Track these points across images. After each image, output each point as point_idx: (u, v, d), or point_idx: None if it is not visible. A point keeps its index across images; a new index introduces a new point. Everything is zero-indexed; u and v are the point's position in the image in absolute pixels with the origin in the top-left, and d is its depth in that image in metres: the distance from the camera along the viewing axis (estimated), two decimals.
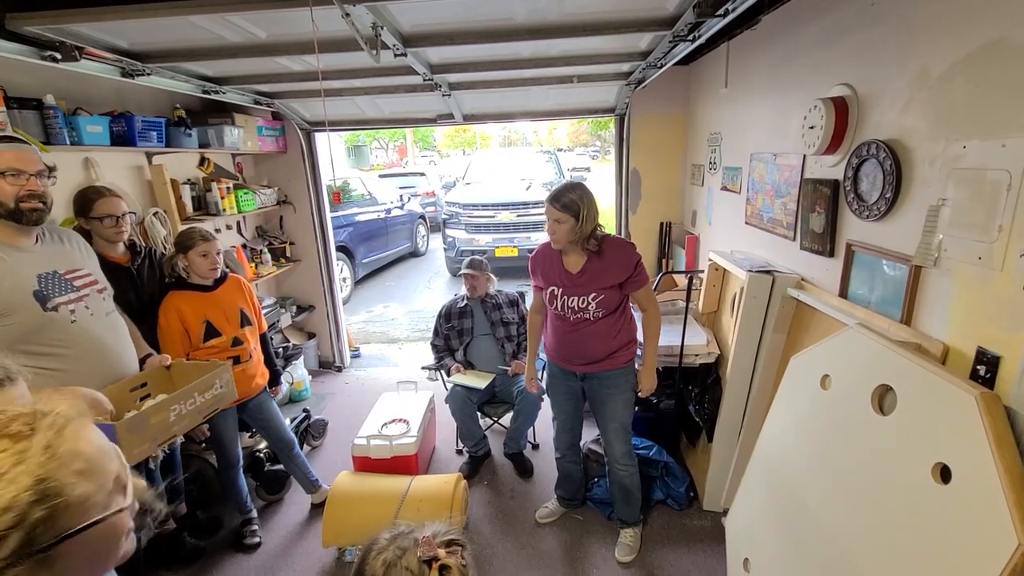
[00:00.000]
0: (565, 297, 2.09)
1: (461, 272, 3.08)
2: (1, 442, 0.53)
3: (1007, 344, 1.21)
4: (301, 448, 2.71)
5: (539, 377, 2.55)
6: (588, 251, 2.05)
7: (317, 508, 2.69)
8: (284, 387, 2.96)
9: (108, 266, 2.01)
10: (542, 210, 2.13)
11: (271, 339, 2.67)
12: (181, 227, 2.92)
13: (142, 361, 1.91)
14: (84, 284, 1.72)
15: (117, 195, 2.17)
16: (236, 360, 2.30)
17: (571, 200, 1.96)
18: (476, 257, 3.12)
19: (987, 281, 1.25)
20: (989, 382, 1.24)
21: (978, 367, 1.27)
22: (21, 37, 1.88)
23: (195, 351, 2.22)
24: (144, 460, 1.77)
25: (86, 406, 0.63)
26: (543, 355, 2.42)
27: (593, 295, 2.05)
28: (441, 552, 0.89)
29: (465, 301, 3.11)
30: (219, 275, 2.32)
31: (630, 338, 2.18)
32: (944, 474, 1.16)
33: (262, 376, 2.47)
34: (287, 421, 2.73)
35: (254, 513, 2.58)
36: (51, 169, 1.64)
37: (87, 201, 2.10)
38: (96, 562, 0.60)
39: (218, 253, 2.27)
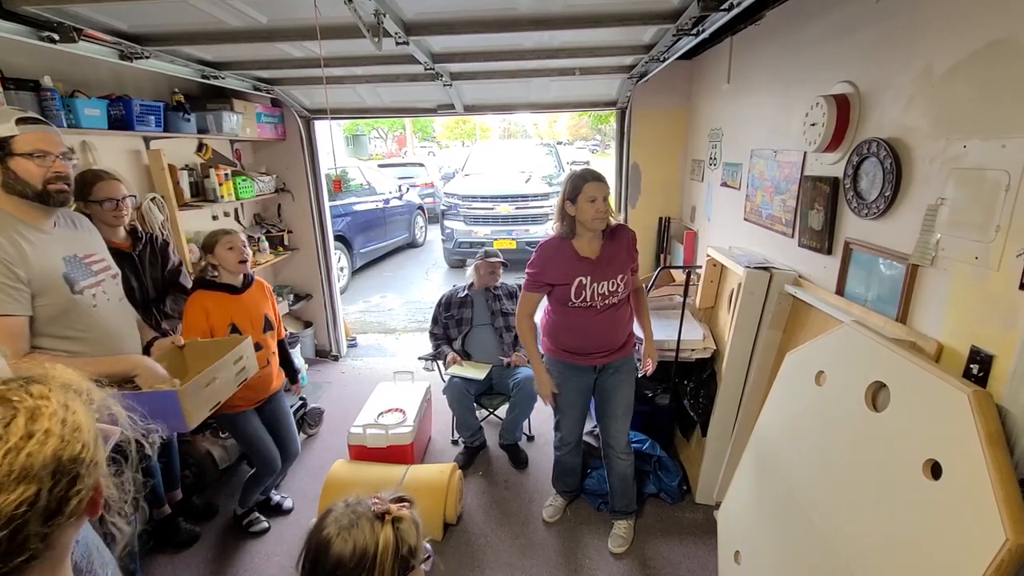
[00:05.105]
0: (595, 284, 2.04)
1: (489, 260, 3.08)
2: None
3: (1000, 343, 1.22)
4: (297, 435, 2.68)
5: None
6: (602, 234, 2.08)
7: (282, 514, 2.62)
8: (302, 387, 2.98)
9: (109, 251, 2.00)
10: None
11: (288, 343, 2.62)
12: (179, 213, 2.92)
13: (146, 347, 1.88)
14: (100, 269, 1.71)
15: (117, 178, 2.15)
16: None
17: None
18: (494, 250, 3.18)
19: (983, 280, 1.26)
20: (982, 380, 1.25)
21: (971, 365, 1.29)
22: (19, 17, 1.85)
23: None
24: (141, 446, 1.77)
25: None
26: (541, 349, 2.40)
27: (620, 276, 2.08)
28: (392, 507, 0.96)
29: (466, 291, 3.12)
30: (248, 270, 2.28)
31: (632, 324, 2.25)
32: (935, 470, 1.18)
33: (278, 379, 2.44)
34: None
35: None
36: (71, 151, 1.61)
37: (86, 184, 2.08)
38: None
39: (244, 245, 2.23)
